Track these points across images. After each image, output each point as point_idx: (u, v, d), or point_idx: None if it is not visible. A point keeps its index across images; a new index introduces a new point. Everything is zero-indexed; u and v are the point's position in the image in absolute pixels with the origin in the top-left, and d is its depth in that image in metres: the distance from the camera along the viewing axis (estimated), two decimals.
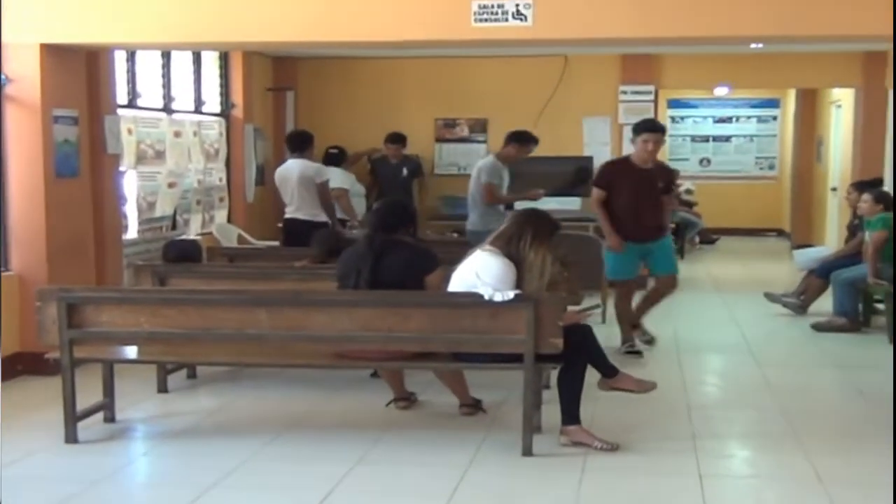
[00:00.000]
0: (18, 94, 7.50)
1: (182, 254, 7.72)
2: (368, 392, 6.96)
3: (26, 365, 7.53)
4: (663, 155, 17.19)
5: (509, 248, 5.81)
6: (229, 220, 11.31)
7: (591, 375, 5.94)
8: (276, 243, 10.47)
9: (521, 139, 9.62)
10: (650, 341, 8.62)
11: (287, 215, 9.54)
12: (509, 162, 9.63)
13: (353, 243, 6.77)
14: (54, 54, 7.58)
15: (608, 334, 8.19)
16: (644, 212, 8.26)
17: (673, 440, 6.04)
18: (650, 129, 8.31)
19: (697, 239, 16.88)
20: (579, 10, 6.93)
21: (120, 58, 9.07)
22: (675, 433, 6.20)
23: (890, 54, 11.38)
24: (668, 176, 8.65)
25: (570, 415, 5.82)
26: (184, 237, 9.70)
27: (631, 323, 8.48)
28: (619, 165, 8.56)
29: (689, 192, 17.36)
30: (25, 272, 7.64)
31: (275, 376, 7.47)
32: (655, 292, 8.67)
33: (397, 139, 11.68)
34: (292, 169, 9.45)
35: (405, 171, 11.80)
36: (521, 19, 6.85)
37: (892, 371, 7.28)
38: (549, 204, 9.83)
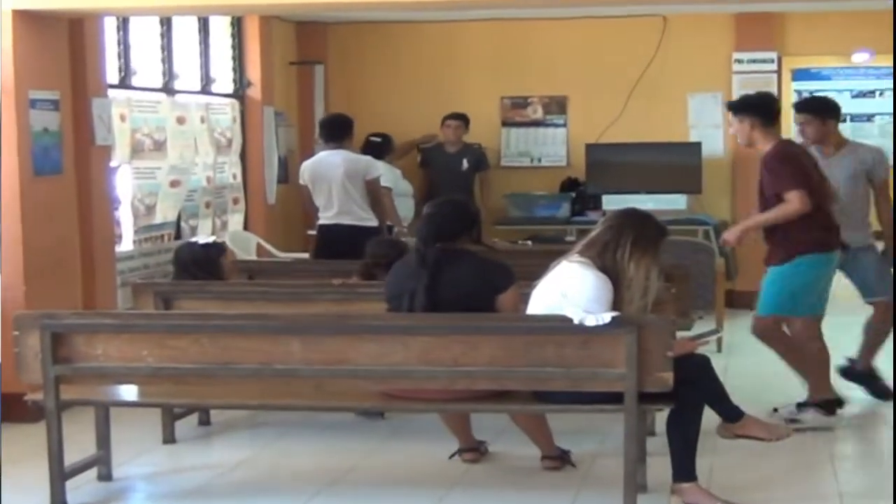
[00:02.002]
0: None
1: (199, 258, 7.73)
2: (426, 441, 6.96)
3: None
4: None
5: (604, 258, 5.77)
6: (246, 227, 11.39)
7: (709, 419, 5.89)
8: (305, 255, 10.50)
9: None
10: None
11: (325, 221, 9.54)
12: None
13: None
14: (30, 23, 7.67)
15: (726, 366, 8.12)
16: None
17: (814, 501, 6.01)
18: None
19: None
20: None
21: (110, 27, 9.15)
22: (816, 492, 6.16)
23: None
24: None
25: (684, 469, 5.77)
26: (200, 239, 9.75)
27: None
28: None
29: None
30: None
31: (308, 422, 7.49)
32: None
33: (459, 117, 11.76)
34: (333, 163, 9.46)
35: (465, 163, 11.80)
36: None
37: None
38: (646, 203, 9.77)
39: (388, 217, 9.87)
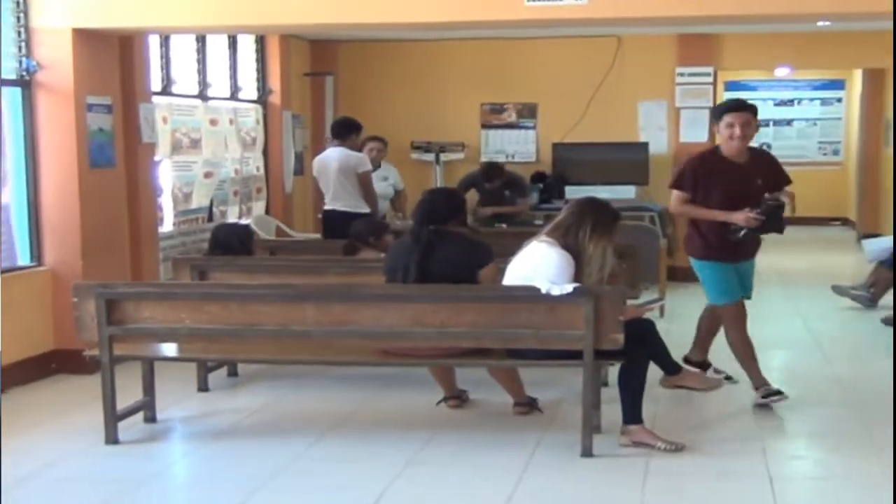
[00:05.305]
0: (50, 81, 7.59)
1: (242, 235, 7.86)
2: (417, 390, 6.98)
3: (61, 363, 7.64)
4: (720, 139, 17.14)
5: (567, 239, 5.78)
6: (267, 212, 11.38)
7: (653, 373, 5.93)
8: (316, 236, 10.50)
9: None
10: (730, 378, 7.13)
11: (326, 207, 9.56)
12: None
13: (398, 235, 6.77)
14: (86, 39, 7.67)
15: (668, 329, 8.14)
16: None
17: (740, 441, 6.03)
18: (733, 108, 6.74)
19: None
20: None
21: (154, 43, 9.15)
22: (742, 433, 6.18)
23: None
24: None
25: (632, 414, 5.80)
26: (234, 222, 9.81)
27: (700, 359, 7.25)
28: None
29: None
30: (59, 267, 7.73)
31: (318, 374, 7.52)
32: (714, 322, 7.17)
33: (493, 174, 10.98)
34: (331, 158, 9.47)
35: (507, 193, 11.29)
36: None
37: None
38: (602, 193, 9.78)
39: (368, 204, 9.56)
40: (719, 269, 6.70)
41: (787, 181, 6.91)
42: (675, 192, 6.74)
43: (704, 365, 7.19)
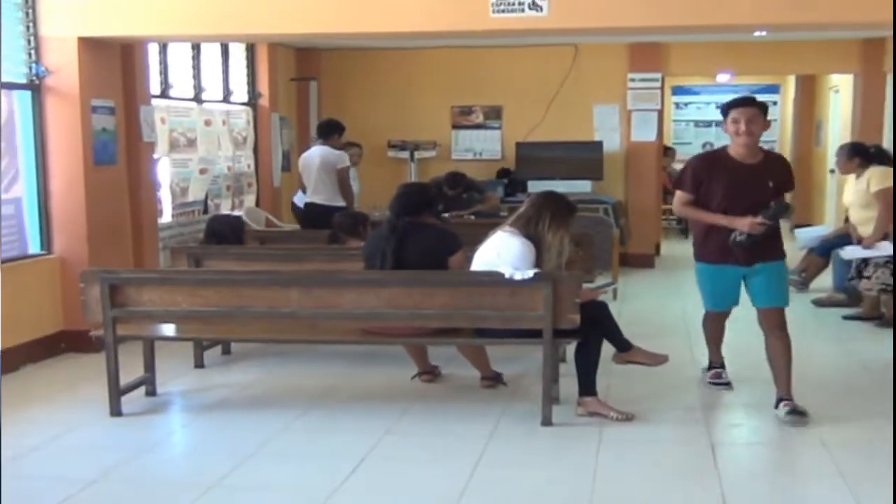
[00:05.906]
0: (58, 85, 7.54)
1: (235, 226, 7.87)
2: (394, 366, 6.99)
3: (70, 343, 7.61)
4: (667, 138, 17.25)
5: (528, 228, 5.81)
6: (257, 204, 11.34)
7: (606, 350, 5.96)
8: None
9: None
10: (801, 413, 5.85)
11: (306, 199, 9.57)
12: None
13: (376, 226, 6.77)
14: (91, 47, 7.62)
15: (620, 310, 8.19)
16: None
17: (685, 410, 6.07)
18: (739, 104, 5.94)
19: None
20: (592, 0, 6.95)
21: (153, 50, 9.09)
22: (686, 404, 6.22)
23: (888, 40, 11.31)
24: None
25: (587, 387, 5.84)
26: (227, 214, 9.79)
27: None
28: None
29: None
30: (67, 255, 7.69)
31: (304, 352, 7.52)
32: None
33: (456, 182, 10.89)
34: (314, 155, 9.48)
35: (465, 196, 11.19)
36: (536, 10, 6.86)
37: (888, 342, 7.34)
38: (561, 187, 9.80)
39: (344, 198, 9.55)
40: (713, 272, 6.13)
41: (791, 187, 6.09)
42: (678, 193, 6.11)
43: (786, 398, 5.95)
